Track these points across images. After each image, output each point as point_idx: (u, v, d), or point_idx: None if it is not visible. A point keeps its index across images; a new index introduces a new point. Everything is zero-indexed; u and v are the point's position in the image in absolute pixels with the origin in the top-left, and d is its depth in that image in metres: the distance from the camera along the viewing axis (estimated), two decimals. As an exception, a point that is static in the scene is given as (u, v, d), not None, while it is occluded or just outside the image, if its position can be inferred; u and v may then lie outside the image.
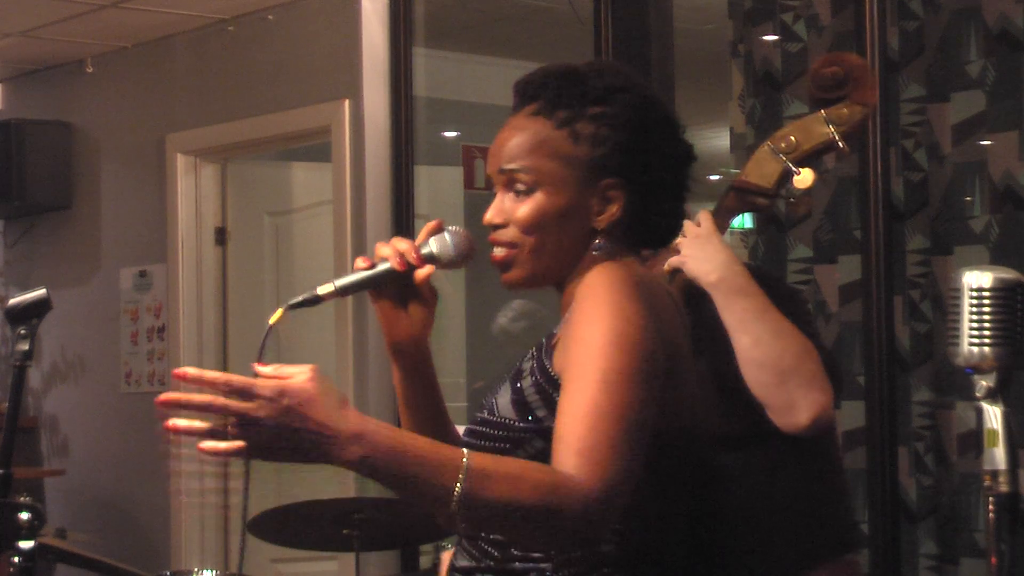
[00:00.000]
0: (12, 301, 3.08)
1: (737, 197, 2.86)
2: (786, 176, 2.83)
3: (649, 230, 2.31)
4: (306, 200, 7.04)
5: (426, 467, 1.94)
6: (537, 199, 2.25)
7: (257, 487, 6.71)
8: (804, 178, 2.81)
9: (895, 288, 4.56)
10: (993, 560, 2.13)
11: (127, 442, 7.22)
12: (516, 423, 2.19)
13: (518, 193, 2.26)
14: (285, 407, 1.91)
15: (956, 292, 2.17)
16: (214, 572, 4.25)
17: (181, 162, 6.98)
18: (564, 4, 6.09)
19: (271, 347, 2.27)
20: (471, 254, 2.33)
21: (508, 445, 2.18)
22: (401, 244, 2.30)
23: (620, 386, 2.07)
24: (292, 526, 4.64)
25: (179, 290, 6.95)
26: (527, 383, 2.21)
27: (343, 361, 6.07)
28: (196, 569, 5.78)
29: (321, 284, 2.27)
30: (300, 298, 2.26)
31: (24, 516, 3.11)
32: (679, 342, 2.23)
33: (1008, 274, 2.17)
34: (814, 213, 4.87)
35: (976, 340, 2.14)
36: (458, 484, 1.94)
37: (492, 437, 2.20)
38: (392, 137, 6.09)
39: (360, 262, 2.30)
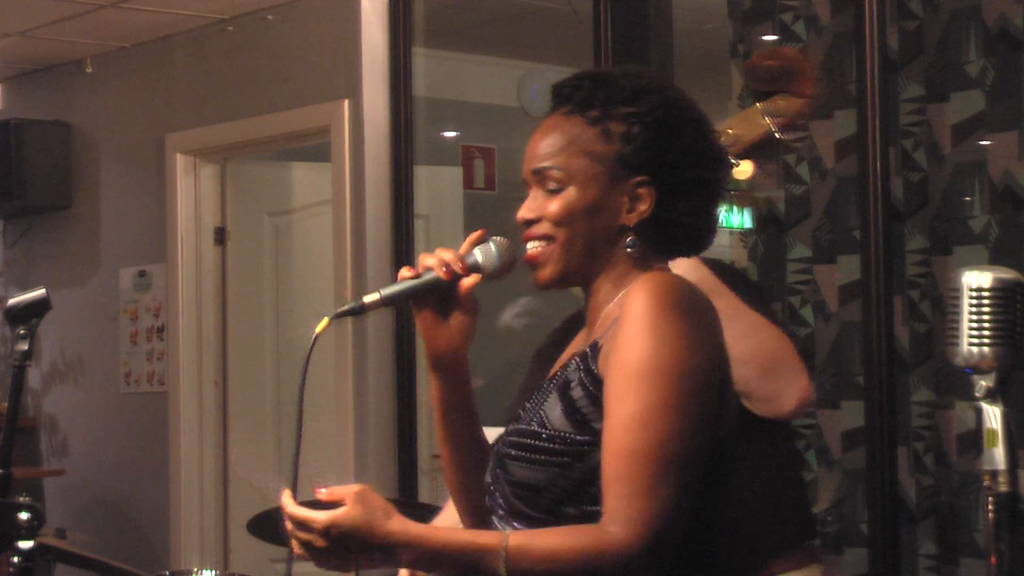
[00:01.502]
0: (12, 301, 3.08)
1: None
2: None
3: (681, 232, 2.32)
4: (305, 200, 7.04)
5: (472, 556, 2.10)
6: (568, 194, 2.28)
7: (255, 488, 6.72)
8: (743, 170, 2.85)
9: (894, 288, 4.56)
10: (992, 560, 2.13)
11: (126, 442, 7.23)
12: (575, 436, 2.19)
13: (550, 191, 2.29)
14: (335, 537, 2.11)
15: (955, 292, 2.17)
16: (213, 572, 4.24)
17: (180, 162, 6.98)
18: (564, 4, 6.09)
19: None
20: (514, 263, 2.35)
21: (568, 459, 2.18)
22: (446, 254, 2.33)
23: (661, 421, 2.10)
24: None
25: (178, 290, 6.95)
26: (578, 393, 2.21)
27: (342, 379, 6.06)
28: (195, 569, 5.78)
29: (367, 294, 2.30)
30: (346, 307, 2.30)
31: (23, 516, 3.11)
32: (722, 350, 2.24)
33: (1007, 274, 2.17)
34: (813, 213, 4.87)
35: (975, 340, 2.14)
36: (503, 565, 2.08)
37: (549, 451, 2.20)
38: (391, 137, 6.09)
39: (405, 271, 2.33)
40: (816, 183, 4.88)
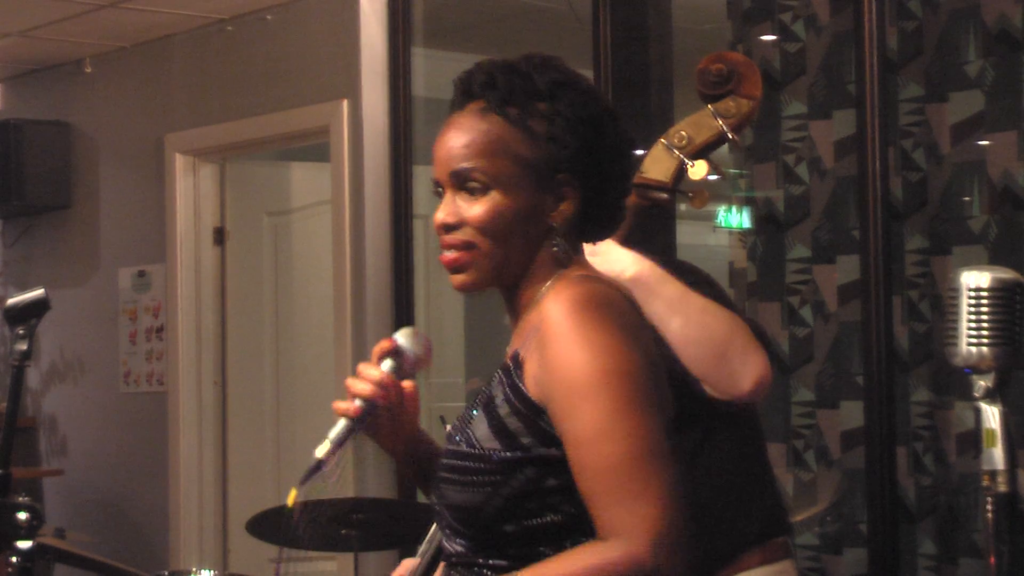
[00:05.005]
0: (11, 301, 3.09)
1: (638, 193, 2.93)
2: (682, 170, 2.91)
3: (598, 224, 2.28)
4: (305, 200, 7.04)
5: None
6: (493, 199, 2.19)
7: (254, 486, 6.72)
8: (698, 170, 2.89)
9: (894, 288, 4.56)
10: (992, 560, 2.13)
11: (126, 442, 7.22)
12: (502, 453, 2.14)
13: (472, 192, 2.20)
14: None
15: (954, 292, 2.17)
16: (212, 572, 4.24)
17: (180, 162, 6.98)
18: (563, 4, 6.09)
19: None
20: (429, 347, 2.33)
21: (499, 477, 2.14)
22: (372, 373, 2.30)
23: (622, 426, 2.06)
24: (290, 526, 4.63)
25: (178, 290, 6.95)
26: (504, 410, 2.16)
27: (341, 381, 6.06)
28: (195, 569, 5.78)
29: (318, 447, 2.26)
30: (307, 471, 2.26)
31: (23, 516, 3.12)
32: (651, 346, 2.20)
33: (1006, 274, 2.17)
34: (812, 213, 4.87)
35: (975, 340, 2.14)
36: None
37: (479, 471, 2.15)
38: (391, 137, 6.08)
39: (341, 405, 2.29)
40: (815, 183, 4.88)
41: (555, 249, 2.22)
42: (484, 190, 2.20)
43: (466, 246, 2.21)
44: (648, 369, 2.12)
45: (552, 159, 2.20)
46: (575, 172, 2.22)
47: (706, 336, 2.76)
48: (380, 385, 2.28)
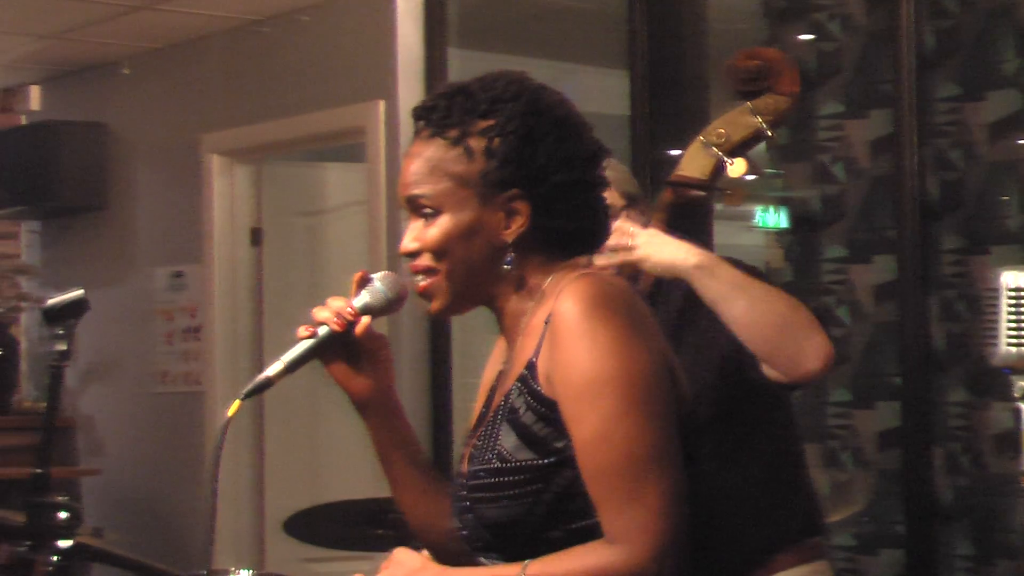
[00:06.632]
0: (50, 302, 3.11)
1: (674, 192, 2.94)
2: (720, 167, 2.92)
3: (566, 236, 2.26)
4: (340, 200, 7.06)
5: None
6: (442, 222, 2.23)
7: (290, 486, 6.74)
8: (737, 167, 2.88)
9: (929, 288, 4.55)
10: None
11: (162, 441, 7.25)
12: (539, 461, 2.15)
13: (426, 217, 2.24)
14: None
15: (994, 292, 2.16)
16: (249, 571, 4.26)
17: (216, 162, 7.00)
18: (598, 4, 6.08)
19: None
20: (404, 294, 2.33)
21: (539, 485, 2.14)
22: (335, 303, 2.31)
23: (623, 430, 2.07)
24: (325, 526, 4.65)
25: (214, 290, 6.97)
26: (529, 418, 2.16)
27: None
28: (232, 569, 5.80)
29: (271, 365, 2.27)
30: (252, 385, 2.27)
31: (62, 515, 3.13)
32: (662, 344, 2.20)
33: (1045, 274, 2.16)
34: (848, 213, 4.86)
35: (1014, 340, 2.14)
36: None
37: (516, 484, 2.16)
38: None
39: (302, 330, 2.30)
40: (851, 183, 4.87)
41: (505, 267, 2.24)
42: (435, 214, 2.24)
43: (428, 272, 2.25)
44: (655, 367, 2.13)
45: (492, 176, 2.21)
46: (522, 187, 2.22)
47: (772, 316, 2.75)
48: (337, 314, 2.29)
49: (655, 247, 2.80)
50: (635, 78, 5.35)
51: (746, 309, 2.75)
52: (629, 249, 2.81)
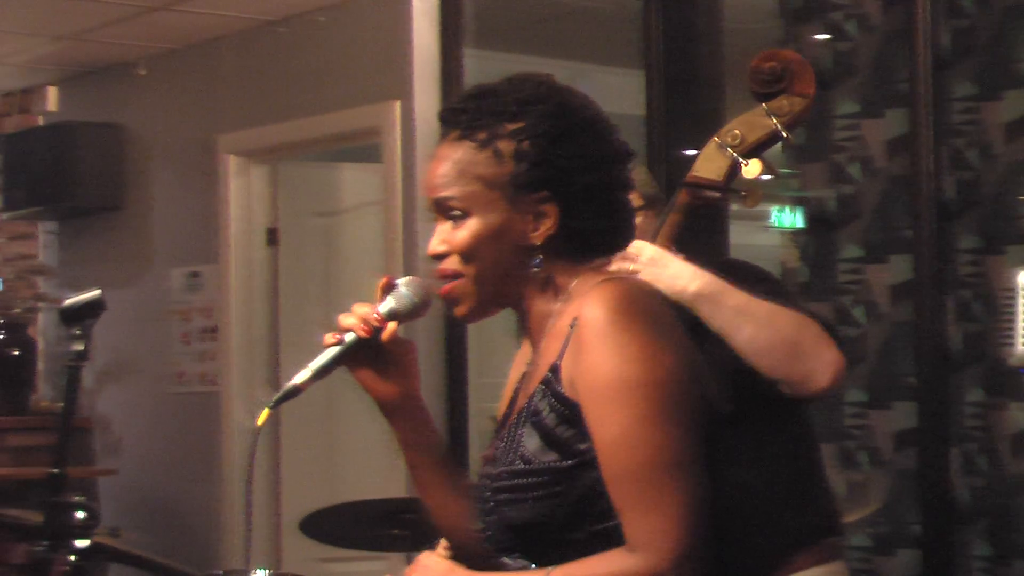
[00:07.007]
0: (67, 302, 3.11)
1: (690, 193, 2.93)
2: (735, 168, 2.91)
3: (594, 237, 2.27)
4: (356, 201, 7.06)
5: None
6: (471, 224, 2.24)
7: (307, 486, 6.74)
8: (752, 169, 2.88)
9: (946, 288, 4.54)
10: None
11: (179, 441, 7.27)
12: (562, 463, 2.15)
13: (455, 219, 2.25)
14: None
15: (1010, 292, 2.16)
16: (266, 571, 4.27)
17: (232, 163, 7.02)
18: (613, 4, 6.09)
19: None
20: (430, 299, 2.33)
21: (562, 487, 2.15)
22: (361, 309, 2.32)
23: (645, 436, 2.08)
24: (342, 526, 4.65)
25: (230, 291, 6.98)
26: (552, 420, 2.17)
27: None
28: (250, 569, 5.80)
29: (298, 373, 2.29)
30: (281, 393, 2.30)
31: (79, 515, 3.14)
32: (688, 348, 2.20)
33: (1062, 274, 2.16)
34: (864, 213, 4.86)
35: (1030, 340, 2.13)
36: None
37: (540, 486, 2.16)
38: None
39: (328, 338, 2.32)
40: (867, 182, 4.87)
41: (534, 270, 2.24)
42: (463, 216, 2.25)
43: (455, 275, 2.26)
44: (680, 373, 2.13)
45: (522, 179, 2.22)
46: (551, 189, 2.22)
47: (778, 340, 2.75)
48: (363, 320, 2.30)
49: (656, 272, 2.79)
50: (651, 78, 5.35)
51: (751, 336, 2.76)
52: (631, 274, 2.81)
